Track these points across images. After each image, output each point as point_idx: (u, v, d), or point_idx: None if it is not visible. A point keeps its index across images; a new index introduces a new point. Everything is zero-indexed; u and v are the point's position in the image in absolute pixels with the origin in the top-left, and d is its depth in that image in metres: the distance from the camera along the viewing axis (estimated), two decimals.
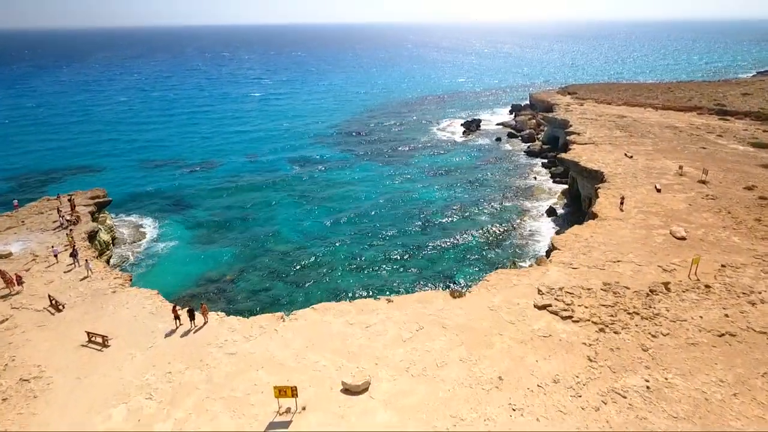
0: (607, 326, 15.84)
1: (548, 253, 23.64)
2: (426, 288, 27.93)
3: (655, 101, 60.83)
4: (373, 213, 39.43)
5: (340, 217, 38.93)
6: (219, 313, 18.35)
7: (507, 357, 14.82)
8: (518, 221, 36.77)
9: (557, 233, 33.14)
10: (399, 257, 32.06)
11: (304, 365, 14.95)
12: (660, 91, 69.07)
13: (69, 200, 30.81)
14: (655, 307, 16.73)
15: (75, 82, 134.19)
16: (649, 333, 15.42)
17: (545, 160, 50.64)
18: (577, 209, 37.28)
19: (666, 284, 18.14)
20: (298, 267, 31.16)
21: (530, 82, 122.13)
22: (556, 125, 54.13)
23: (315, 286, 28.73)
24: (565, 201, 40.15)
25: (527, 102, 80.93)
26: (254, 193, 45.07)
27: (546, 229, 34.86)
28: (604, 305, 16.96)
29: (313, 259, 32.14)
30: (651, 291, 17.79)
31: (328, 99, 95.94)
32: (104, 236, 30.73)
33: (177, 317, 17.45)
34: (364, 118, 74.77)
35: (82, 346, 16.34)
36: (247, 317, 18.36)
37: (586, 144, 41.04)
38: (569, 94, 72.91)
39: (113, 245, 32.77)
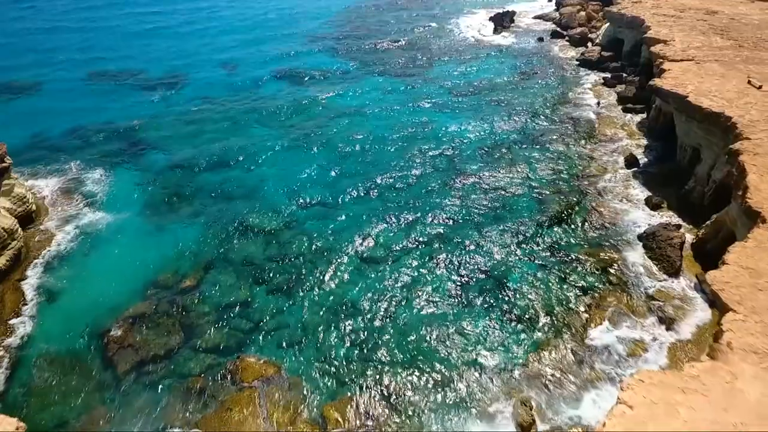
0: None
1: (714, 305, 14.40)
2: (473, 303, 19.15)
3: None
4: (386, 161, 29.33)
5: (343, 167, 28.93)
6: None
7: None
8: (586, 178, 26.81)
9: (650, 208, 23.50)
10: (427, 240, 22.82)
11: None
12: None
13: None
14: None
15: None
16: None
17: (607, 75, 38.89)
18: (667, 157, 27.14)
19: None
20: (287, 259, 22.08)
21: None
22: (621, 24, 41.34)
23: (311, 299, 19.90)
24: (646, 141, 29.76)
25: None
26: (230, 125, 34.45)
27: (634, 194, 24.98)
28: None
29: (308, 244, 22.92)
30: None
31: None
32: (3, 221, 21.24)
33: None
34: (367, 8, 60.46)
35: None
36: None
37: (682, 61, 29.48)
38: None
39: (28, 226, 23.42)
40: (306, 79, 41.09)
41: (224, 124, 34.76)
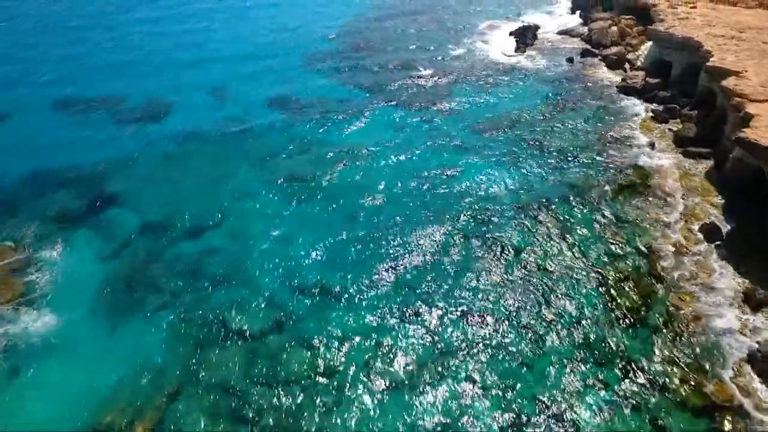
0: None
1: None
2: None
3: None
4: (401, 224, 23.81)
5: (350, 233, 23.46)
6: None
7: None
8: (654, 255, 21.21)
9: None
10: (463, 351, 17.41)
11: None
12: None
13: None
14: None
15: None
16: None
17: (657, 107, 33.33)
18: (755, 222, 21.58)
19: None
20: (279, 383, 16.71)
21: None
22: (669, 45, 35.73)
23: None
24: (722, 200, 24.22)
25: None
26: (215, 172, 28.94)
27: (724, 284, 19.35)
28: None
29: (307, 358, 17.50)
30: None
31: None
32: None
33: None
34: (371, 21, 54.89)
35: None
36: None
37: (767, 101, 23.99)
38: None
39: None
40: (306, 110, 35.63)
41: (208, 169, 29.35)
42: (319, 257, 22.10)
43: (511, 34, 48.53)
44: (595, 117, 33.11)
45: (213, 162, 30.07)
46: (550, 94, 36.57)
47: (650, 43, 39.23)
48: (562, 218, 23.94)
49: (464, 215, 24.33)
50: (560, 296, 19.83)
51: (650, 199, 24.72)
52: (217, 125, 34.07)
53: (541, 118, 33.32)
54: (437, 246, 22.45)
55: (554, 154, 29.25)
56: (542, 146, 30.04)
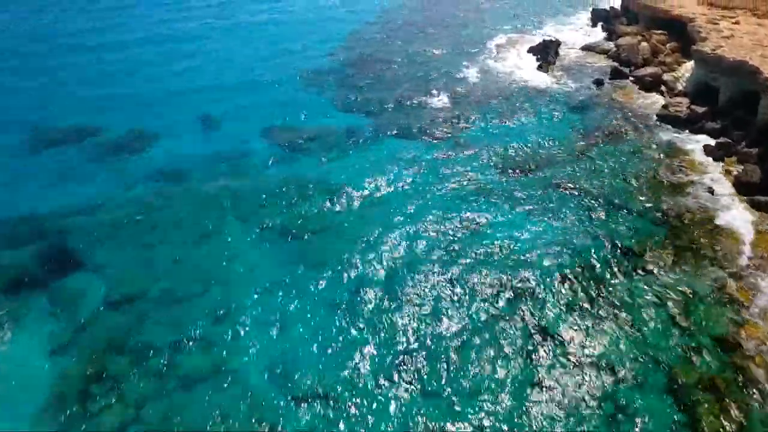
0: None
1: None
2: None
3: None
4: (419, 306, 19.48)
5: (357, 318, 19.13)
6: None
7: None
8: (743, 356, 16.96)
9: None
10: None
11: None
12: None
13: None
14: None
15: None
16: None
17: (709, 141, 29.07)
18: None
19: None
20: None
21: None
22: (716, 69, 31.45)
23: None
24: None
25: (612, 3, 55.50)
26: (202, 223, 24.85)
27: None
28: None
29: None
30: None
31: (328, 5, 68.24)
32: None
33: None
34: (377, 41, 50.64)
35: None
36: None
37: None
38: None
39: None
40: (306, 145, 31.55)
41: (192, 222, 25.28)
42: (321, 350, 17.96)
43: (530, 50, 44.46)
44: (636, 153, 28.90)
45: (198, 212, 25.97)
46: (581, 124, 32.40)
47: (690, 63, 35.09)
48: (613, 292, 19.72)
49: (493, 289, 20.13)
50: (624, 408, 15.62)
51: (721, 266, 20.45)
52: (205, 165, 30.01)
53: (575, 154, 29.13)
54: (463, 334, 18.25)
55: (593, 202, 25.04)
56: (579, 192, 25.84)
